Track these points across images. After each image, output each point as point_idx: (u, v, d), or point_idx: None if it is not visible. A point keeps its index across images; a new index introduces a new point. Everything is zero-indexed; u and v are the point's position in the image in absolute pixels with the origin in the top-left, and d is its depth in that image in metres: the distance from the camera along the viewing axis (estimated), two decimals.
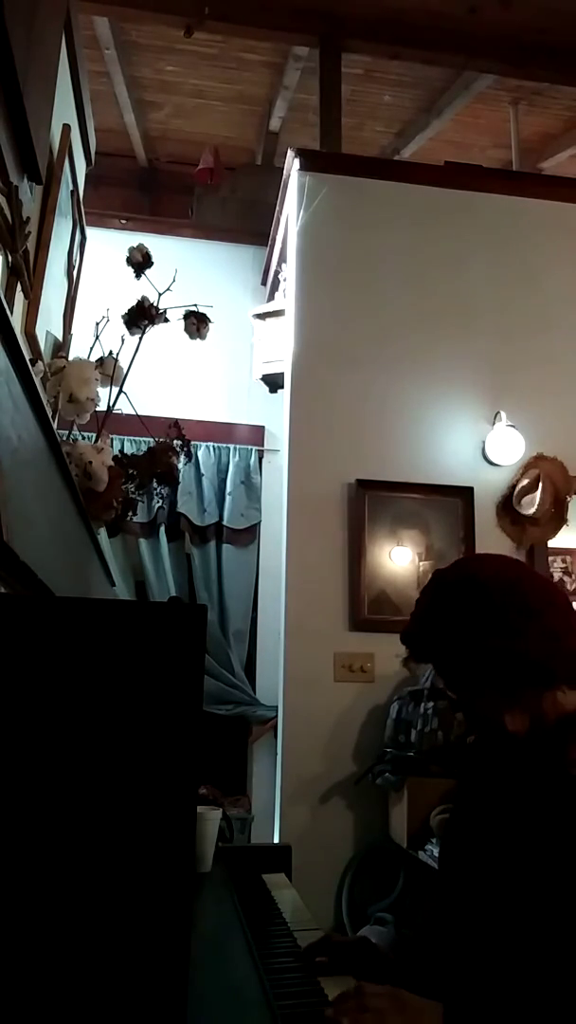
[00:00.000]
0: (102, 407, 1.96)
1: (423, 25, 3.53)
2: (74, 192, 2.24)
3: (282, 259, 3.66)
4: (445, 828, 1.17)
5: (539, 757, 0.97)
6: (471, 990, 0.88)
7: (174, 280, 2.09)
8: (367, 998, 0.87)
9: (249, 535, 3.83)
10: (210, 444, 3.86)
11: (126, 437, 2.99)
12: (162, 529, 3.72)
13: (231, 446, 3.89)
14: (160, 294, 2.06)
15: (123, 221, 4.06)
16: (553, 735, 0.96)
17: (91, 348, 2.05)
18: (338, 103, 3.69)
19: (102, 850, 0.59)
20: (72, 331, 2.34)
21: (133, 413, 2.03)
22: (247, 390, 3.94)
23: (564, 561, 4.29)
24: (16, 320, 1.70)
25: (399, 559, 3.04)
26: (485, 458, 3.19)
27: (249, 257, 4.28)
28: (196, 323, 2.08)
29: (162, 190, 5.04)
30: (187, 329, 2.09)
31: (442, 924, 1.03)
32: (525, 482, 3.11)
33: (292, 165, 3.36)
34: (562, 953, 0.84)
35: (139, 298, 2.01)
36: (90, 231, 2.55)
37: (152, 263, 2.06)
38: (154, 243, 2.19)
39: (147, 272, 2.05)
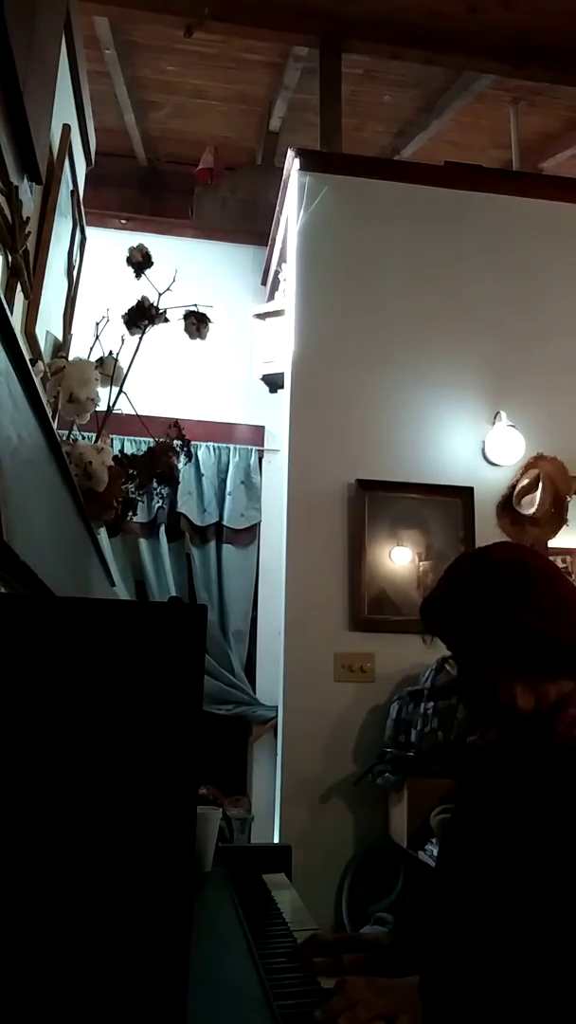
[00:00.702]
0: (102, 407, 1.96)
1: (423, 25, 3.53)
2: (74, 192, 2.24)
3: (282, 259, 3.66)
4: (447, 827, 1.18)
5: (533, 734, 1.02)
6: (464, 983, 0.89)
7: (174, 280, 2.09)
8: (351, 992, 0.90)
9: (249, 535, 3.83)
10: (210, 444, 3.86)
11: (126, 437, 2.98)
12: (162, 529, 3.72)
13: (231, 446, 3.89)
14: (160, 294, 2.05)
15: (123, 221, 4.06)
16: (547, 714, 1.02)
17: (91, 348, 2.05)
18: (338, 103, 3.69)
19: (102, 850, 0.59)
20: (72, 331, 2.34)
21: (133, 413, 2.03)
22: (247, 390, 3.94)
23: (564, 561, 4.29)
24: (16, 320, 1.70)
25: (399, 559, 3.04)
26: (485, 458, 3.19)
27: (249, 257, 4.28)
28: (196, 323, 2.08)
29: (162, 190, 5.04)
30: (187, 329, 2.09)
31: (435, 920, 1.03)
32: (525, 482, 3.11)
33: (292, 165, 3.36)
34: (560, 948, 0.84)
35: (139, 298, 2.01)
36: (90, 231, 2.55)
37: (152, 263, 2.06)
38: (154, 243, 2.19)
39: (147, 272, 2.05)
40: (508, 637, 1.02)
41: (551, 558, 3.84)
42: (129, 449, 2.35)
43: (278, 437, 3.70)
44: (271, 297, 3.97)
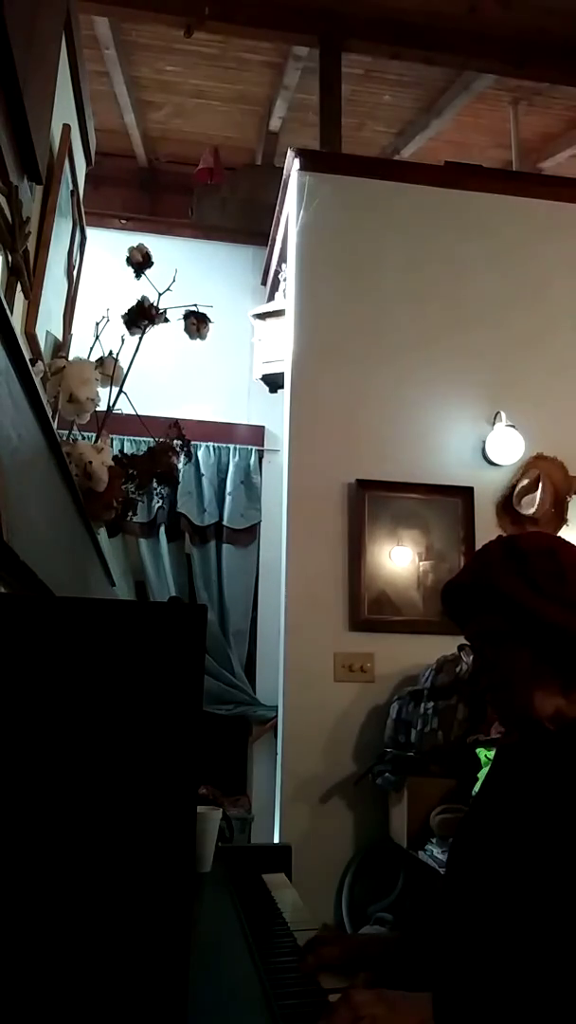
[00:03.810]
0: (102, 407, 1.95)
1: (423, 25, 3.53)
2: (74, 192, 2.23)
3: (282, 259, 3.66)
4: (460, 825, 1.15)
5: (554, 737, 0.97)
6: (476, 987, 0.87)
7: (174, 280, 2.09)
8: (358, 1007, 0.84)
9: (249, 535, 3.83)
10: (210, 444, 3.86)
11: (126, 437, 2.99)
12: (162, 529, 3.72)
13: (231, 446, 3.89)
14: (160, 294, 2.05)
15: (123, 221, 4.06)
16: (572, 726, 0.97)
17: (91, 348, 2.05)
18: (338, 103, 3.69)
19: (102, 850, 0.59)
20: (72, 331, 2.34)
21: (133, 413, 2.03)
22: (247, 390, 3.94)
23: None
24: (16, 320, 1.70)
25: (399, 559, 3.04)
26: (485, 458, 3.19)
27: (249, 257, 4.28)
28: (196, 323, 2.07)
29: (162, 190, 5.04)
30: (187, 329, 2.09)
31: (444, 923, 1.02)
32: (525, 482, 3.11)
33: (292, 165, 3.36)
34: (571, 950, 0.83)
35: (139, 298, 2.01)
36: (90, 231, 2.54)
37: (152, 263, 2.06)
38: (154, 243, 2.19)
39: (147, 272, 2.05)
40: (531, 630, 0.97)
41: None
42: (129, 449, 2.35)
43: (278, 437, 3.70)
44: (271, 297, 3.97)
